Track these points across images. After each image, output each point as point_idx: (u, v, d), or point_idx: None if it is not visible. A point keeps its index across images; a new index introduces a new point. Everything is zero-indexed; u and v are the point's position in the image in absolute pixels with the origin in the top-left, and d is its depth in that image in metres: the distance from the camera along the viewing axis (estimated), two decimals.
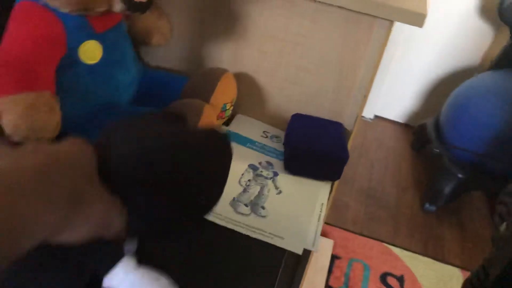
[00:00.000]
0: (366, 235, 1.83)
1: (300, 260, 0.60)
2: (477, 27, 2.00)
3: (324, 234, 1.79)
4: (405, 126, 2.40)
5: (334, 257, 1.70)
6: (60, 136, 0.62)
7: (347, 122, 0.76)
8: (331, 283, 1.62)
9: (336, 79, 0.73)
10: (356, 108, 0.74)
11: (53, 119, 0.58)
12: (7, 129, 0.56)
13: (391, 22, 0.66)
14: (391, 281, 1.68)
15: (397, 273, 1.71)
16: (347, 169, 2.39)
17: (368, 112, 2.36)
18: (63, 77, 0.61)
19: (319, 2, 0.66)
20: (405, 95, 2.29)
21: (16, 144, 0.58)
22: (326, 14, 0.68)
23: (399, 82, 2.26)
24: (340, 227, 1.83)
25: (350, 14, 0.67)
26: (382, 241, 1.82)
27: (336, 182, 0.76)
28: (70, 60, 0.60)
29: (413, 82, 2.24)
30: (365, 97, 0.73)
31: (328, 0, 0.64)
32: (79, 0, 0.55)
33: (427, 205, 1.91)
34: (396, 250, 1.80)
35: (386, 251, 1.79)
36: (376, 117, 2.42)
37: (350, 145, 0.76)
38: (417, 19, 0.61)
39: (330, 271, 1.65)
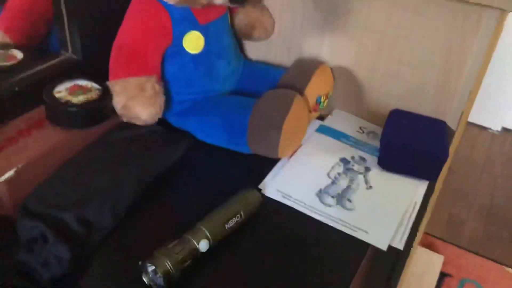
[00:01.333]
0: (483, 255, 1.68)
1: (387, 257, 0.58)
2: None
3: (435, 249, 1.68)
4: None
5: (443, 275, 1.59)
6: (163, 121, 0.68)
7: (450, 121, 0.71)
8: None
9: (440, 75, 0.69)
10: (461, 106, 0.69)
11: (157, 101, 0.64)
12: (117, 109, 0.63)
13: (503, 12, 0.61)
14: None
15: None
16: (467, 185, 2.24)
17: (495, 124, 2.17)
18: (169, 64, 0.66)
19: None
20: None
21: (123, 124, 0.64)
22: (430, 5, 0.65)
23: None
24: (453, 244, 1.71)
25: (457, 4, 0.63)
26: (503, 264, 1.65)
27: (438, 190, 0.72)
28: (175, 49, 0.65)
29: None
30: (471, 94, 0.68)
31: None
32: None
33: None
34: None
35: (506, 275, 1.62)
36: (504, 129, 2.21)
37: (454, 146, 0.71)
38: None
39: None
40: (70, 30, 0.70)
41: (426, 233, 1.73)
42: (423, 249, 1.64)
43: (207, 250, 0.51)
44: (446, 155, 0.65)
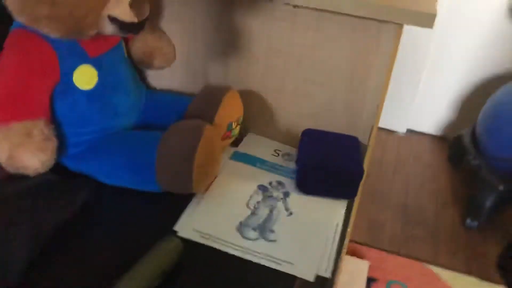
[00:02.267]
0: (404, 255, 1.74)
1: (315, 285, 0.56)
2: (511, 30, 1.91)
3: (359, 255, 1.72)
4: (441, 139, 2.30)
5: (370, 280, 1.62)
6: (58, 167, 0.61)
7: (362, 135, 0.71)
8: None
9: (347, 90, 0.69)
10: (371, 120, 0.70)
11: (48, 148, 0.56)
12: (2, 160, 0.55)
13: (400, 26, 0.62)
14: None
15: None
16: (382, 187, 2.31)
17: (400, 126, 2.28)
18: (58, 104, 0.59)
19: (322, 10, 0.63)
20: (438, 106, 2.20)
21: (10, 176, 0.56)
22: (330, 22, 0.65)
23: (431, 93, 2.18)
24: (376, 247, 1.75)
25: (356, 20, 0.63)
26: (422, 261, 1.72)
27: (357, 200, 0.71)
28: (65, 87, 0.59)
29: (446, 92, 2.15)
30: (378, 108, 0.68)
31: (330, 7, 0.60)
32: (67, 25, 0.54)
33: (468, 221, 1.81)
34: (437, 270, 1.70)
35: (426, 271, 1.69)
36: (409, 131, 2.33)
37: (367, 159, 0.71)
38: (426, 19, 0.56)
39: None
40: None
41: (349, 240, 1.77)
42: (348, 257, 1.67)
43: None
44: (362, 172, 0.65)
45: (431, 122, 2.27)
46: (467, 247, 1.77)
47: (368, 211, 1.91)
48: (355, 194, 0.66)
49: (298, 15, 0.66)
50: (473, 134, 1.86)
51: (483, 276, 1.65)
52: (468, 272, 1.67)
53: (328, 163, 0.65)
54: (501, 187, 1.66)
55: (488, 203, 1.73)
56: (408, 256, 1.75)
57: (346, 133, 0.71)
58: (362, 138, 0.71)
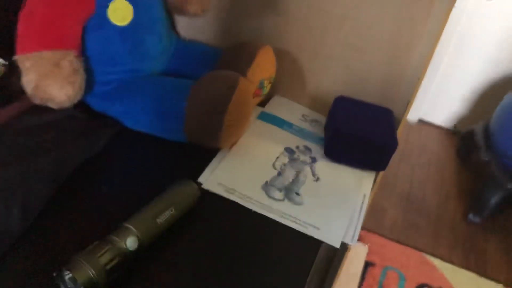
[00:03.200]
0: (403, 242, 1.73)
1: (337, 254, 0.54)
2: None
3: (359, 239, 1.71)
4: (452, 133, 2.28)
5: (367, 264, 1.62)
6: (83, 105, 0.58)
7: (397, 108, 0.68)
8: None
9: (387, 60, 0.66)
10: (409, 93, 0.67)
11: (76, 81, 0.54)
12: (28, 89, 0.52)
13: None
14: None
15: (435, 285, 1.61)
16: (387, 173, 2.29)
17: (412, 115, 2.26)
18: (90, 38, 0.56)
19: None
20: (452, 99, 2.17)
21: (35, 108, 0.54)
22: None
23: (446, 86, 2.14)
24: (376, 233, 1.74)
25: None
26: (421, 251, 1.72)
27: (378, 178, 0.69)
28: (98, 20, 0.56)
29: (462, 86, 2.12)
30: (419, 81, 0.66)
31: None
32: None
33: (471, 216, 1.80)
34: (435, 261, 1.69)
35: (424, 261, 1.69)
36: (420, 121, 2.31)
37: (398, 133, 0.68)
38: None
39: (363, 278, 1.57)
40: None
41: None
42: None
43: (137, 248, 0.43)
44: (396, 144, 0.62)
45: (443, 114, 2.24)
46: (467, 242, 1.76)
47: (371, 196, 1.90)
48: (385, 167, 0.63)
49: None
50: (486, 130, 1.83)
51: (481, 272, 1.65)
52: (467, 266, 1.66)
53: (361, 132, 0.63)
54: (509, 185, 1.64)
55: (494, 200, 1.72)
56: (407, 244, 1.74)
57: (380, 105, 0.69)
58: (396, 111, 0.68)
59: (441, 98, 2.19)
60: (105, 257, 0.41)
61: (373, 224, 1.78)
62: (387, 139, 0.62)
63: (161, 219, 0.46)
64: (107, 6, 0.55)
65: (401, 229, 1.80)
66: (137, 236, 0.44)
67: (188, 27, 0.75)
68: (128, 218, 0.45)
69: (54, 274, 0.40)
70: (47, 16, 0.52)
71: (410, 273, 1.63)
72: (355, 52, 0.67)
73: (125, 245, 0.43)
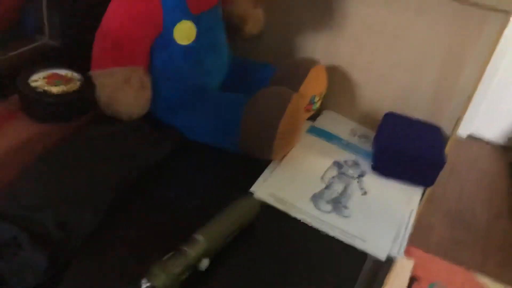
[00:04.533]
0: (450, 259, 1.70)
1: (383, 267, 0.56)
2: None
3: (404, 253, 1.69)
4: (503, 148, 2.21)
5: (413, 279, 1.60)
6: (149, 117, 0.63)
7: (445, 126, 0.70)
8: None
9: (437, 78, 0.67)
10: (458, 111, 0.68)
11: (143, 95, 0.59)
12: (101, 102, 0.58)
13: (508, 16, 0.59)
14: None
15: None
16: (435, 189, 2.27)
17: (462, 130, 2.21)
18: (157, 56, 0.61)
19: None
20: (504, 114, 2.11)
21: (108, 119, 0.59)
22: (432, 5, 0.63)
23: (499, 100, 2.09)
24: (422, 248, 1.72)
25: (460, 6, 0.61)
26: (468, 268, 1.68)
27: (426, 194, 0.70)
28: (165, 40, 0.61)
29: None
30: (468, 99, 0.67)
31: None
32: None
33: None
34: (483, 280, 1.65)
35: (471, 279, 1.65)
36: (471, 136, 2.26)
37: (446, 150, 0.69)
38: None
39: None
40: (49, 12, 0.63)
41: None
42: None
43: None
44: (444, 161, 0.64)
45: (495, 129, 2.19)
46: None
47: (418, 211, 1.88)
48: (433, 183, 0.65)
49: None
50: None
51: None
52: None
53: (409, 148, 0.65)
54: None
55: None
56: (454, 261, 1.71)
57: (429, 121, 0.70)
58: (445, 128, 0.70)
59: (492, 113, 2.14)
60: (178, 268, 0.44)
61: (419, 240, 1.76)
62: (435, 155, 0.64)
63: (228, 239, 0.50)
64: (173, 27, 0.60)
65: (448, 246, 1.77)
66: (210, 257, 0.47)
67: (243, 45, 0.79)
68: (200, 231, 0.48)
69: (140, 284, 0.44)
70: (120, 36, 0.58)
71: None
72: (405, 71, 0.69)
73: (199, 264, 0.46)
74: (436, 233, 1.82)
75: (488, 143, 2.25)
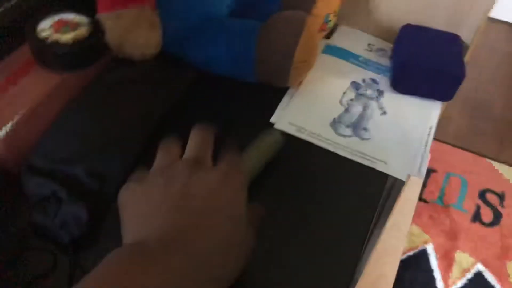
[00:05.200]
0: (468, 149, 1.73)
1: (401, 185, 0.58)
2: None
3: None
4: None
5: (430, 171, 1.65)
6: (162, 53, 0.62)
7: (465, 34, 0.67)
8: (425, 196, 1.58)
9: None
10: (478, 18, 0.65)
11: (154, 35, 0.58)
12: (112, 45, 0.57)
13: None
14: (490, 197, 1.61)
15: (498, 189, 1.63)
16: None
17: None
18: None
19: None
20: None
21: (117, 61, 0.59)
22: None
23: None
24: (440, 140, 1.75)
25: None
26: (485, 157, 1.72)
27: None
28: None
29: None
30: (487, 7, 0.64)
31: None
32: None
33: None
34: (501, 167, 1.69)
35: (488, 167, 1.69)
36: (490, 19, 2.16)
37: (466, 59, 0.68)
38: None
39: (424, 184, 1.61)
40: None
41: None
42: None
43: None
44: (463, 74, 0.63)
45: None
46: None
47: None
48: (452, 96, 0.64)
49: None
50: None
51: None
52: None
53: (427, 62, 0.63)
54: None
55: None
56: (472, 151, 1.74)
57: (448, 31, 0.68)
58: (465, 36, 0.67)
59: None
60: None
61: (436, 132, 1.78)
62: (455, 69, 0.63)
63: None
64: None
65: (466, 136, 1.79)
66: None
67: None
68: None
69: None
70: None
71: (473, 179, 1.65)
72: None
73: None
74: (453, 124, 1.83)
75: (505, 23, 2.16)
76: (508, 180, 1.67)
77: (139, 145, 0.54)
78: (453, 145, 1.74)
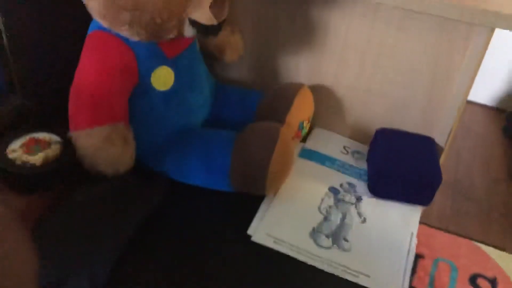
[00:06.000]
0: (453, 231, 1.71)
1: None
2: None
3: None
4: (497, 111, 2.21)
5: (417, 256, 1.61)
6: (137, 166, 0.61)
7: (439, 137, 0.68)
8: (414, 283, 1.53)
9: (426, 91, 0.66)
10: (450, 122, 0.67)
11: (127, 151, 0.57)
12: (85, 163, 0.56)
13: (492, 29, 0.57)
14: (482, 283, 1.56)
15: (489, 274, 1.58)
16: None
17: None
18: (136, 105, 0.59)
19: (408, 9, 0.59)
20: (497, 76, 2.09)
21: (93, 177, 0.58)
22: (415, 22, 0.61)
23: (490, 64, 2.07)
24: (424, 223, 1.73)
25: (443, 21, 0.59)
26: (471, 239, 1.70)
27: None
28: (142, 88, 0.58)
29: (506, 62, 2.04)
30: (459, 110, 0.65)
31: (419, 7, 0.57)
32: (148, 30, 0.53)
33: None
34: (488, 249, 1.66)
35: (475, 250, 1.66)
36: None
37: (441, 160, 0.68)
38: None
39: (413, 271, 1.57)
40: (16, 67, 0.61)
41: None
42: None
43: None
44: (440, 179, 0.63)
45: (488, 92, 2.17)
46: None
47: None
48: (430, 201, 0.64)
49: (380, 11, 0.62)
50: None
51: None
52: None
53: (404, 168, 0.63)
54: None
55: None
56: (457, 233, 1.72)
57: (422, 132, 0.69)
58: (438, 139, 0.68)
59: (484, 76, 2.12)
60: None
61: (421, 215, 1.77)
62: (431, 174, 0.63)
63: None
64: (149, 75, 0.58)
65: (450, 217, 1.78)
66: None
67: (223, 68, 0.77)
68: None
69: None
70: (96, 92, 0.55)
71: (462, 263, 1.61)
72: (394, 85, 0.67)
73: None
74: (436, 205, 1.83)
75: (481, 106, 2.24)
76: (497, 263, 1.63)
77: (111, 264, 0.52)
78: (439, 228, 1.72)
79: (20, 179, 0.53)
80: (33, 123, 0.58)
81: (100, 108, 0.56)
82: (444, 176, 2.10)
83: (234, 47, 0.69)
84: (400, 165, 0.64)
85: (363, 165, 0.70)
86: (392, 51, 0.65)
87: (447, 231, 1.88)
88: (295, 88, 0.67)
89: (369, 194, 0.65)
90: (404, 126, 0.70)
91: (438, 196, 2.01)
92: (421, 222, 1.90)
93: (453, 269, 1.73)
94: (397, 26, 0.62)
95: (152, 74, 0.58)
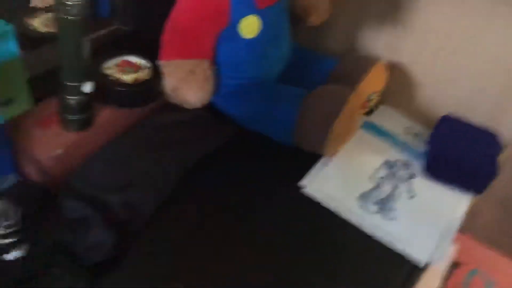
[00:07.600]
0: (496, 248, 1.67)
1: (419, 271, 0.58)
2: None
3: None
4: None
5: (453, 264, 1.60)
6: (209, 104, 0.66)
7: (505, 133, 0.68)
8: None
9: (502, 85, 0.66)
10: None
11: (206, 87, 0.62)
12: (167, 90, 0.62)
13: None
14: None
15: None
16: None
17: None
18: (221, 48, 0.64)
19: None
20: None
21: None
22: (507, 10, 0.61)
23: None
24: (467, 234, 1.70)
25: None
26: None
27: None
28: (230, 33, 0.63)
29: None
30: None
31: None
32: None
33: None
34: None
35: None
36: None
37: (504, 157, 0.69)
38: None
39: (446, 278, 1.55)
40: None
41: None
42: None
43: None
44: (495, 172, 0.63)
45: None
46: None
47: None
48: (482, 191, 0.65)
49: (467, 2, 0.63)
50: None
51: None
52: None
53: (463, 154, 0.65)
54: None
55: None
56: (499, 249, 1.68)
57: (488, 125, 0.69)
58: (504, 136, 0.69)
59: None
60: None
61: (465, 225, 1.74)
62: (488, 166, 0.63)
63: None
64: (238, 22, 0.62)
65: (495, 234, 1.74)
66: None
67: (306, 33, 0.80)
68: None
69: None
70: (188, 30, 0.60)
71: (499, 280, 1.58)
72: (470, 75, 0.68)
73: None
74: (483, 219, 1.79)
75: None
76: None
77: (170, 187, 0.57)
78: (481, 242, 1.69)
79: (112, 94, 0.59)
80: (128, 47, 0.63)
81: (189, 43, 0.61)
82: (499, 192, 2.04)
83: (319, 10, 0.72)
84: (459, 151, 0.65)
85: (422, 148, 0.72)
86: (475, 39, 0.65)
87: (490, 246, 1.83)
88: (372, 61, 0.69)
89: (422, 174, 0.67)
90: (472, 117, 0.70)
91: (488, 210, 1.97)
92: (462, 232, 1.86)
93: (489, 283, 1.69)
94: (487, 13, 0.63)
95: (241, 21, 0.62)
